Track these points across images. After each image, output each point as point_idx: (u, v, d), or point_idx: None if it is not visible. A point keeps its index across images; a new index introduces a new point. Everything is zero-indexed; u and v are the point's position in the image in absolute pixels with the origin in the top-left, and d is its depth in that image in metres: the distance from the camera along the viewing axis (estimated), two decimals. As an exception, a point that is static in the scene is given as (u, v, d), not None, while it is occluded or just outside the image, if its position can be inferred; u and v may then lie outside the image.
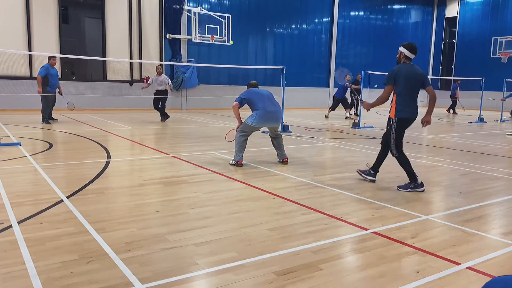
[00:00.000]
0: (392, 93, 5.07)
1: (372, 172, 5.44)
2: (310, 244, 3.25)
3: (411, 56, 5.03)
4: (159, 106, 12.92)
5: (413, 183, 5.01)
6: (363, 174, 5.51)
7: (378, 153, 5.42)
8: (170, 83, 13.10)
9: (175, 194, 4.70)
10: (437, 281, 2.70)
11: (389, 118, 5.11)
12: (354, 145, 8.71)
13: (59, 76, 12.32)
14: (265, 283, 2.62)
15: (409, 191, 4.97)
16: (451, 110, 20.09)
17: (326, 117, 16.20)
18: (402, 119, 5.02)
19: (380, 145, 5.40)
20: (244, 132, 6.38)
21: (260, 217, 3.89)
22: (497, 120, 16.14)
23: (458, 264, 2.96)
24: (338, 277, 2.74)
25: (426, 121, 5.06)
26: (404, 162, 5.09)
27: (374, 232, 3.54)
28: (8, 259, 2.85)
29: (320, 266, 2.87)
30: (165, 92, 12.96)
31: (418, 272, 2.83)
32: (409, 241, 3.36)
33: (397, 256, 3.08)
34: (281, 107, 11.06)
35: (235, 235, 3.42)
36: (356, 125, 12.24)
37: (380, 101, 5.08)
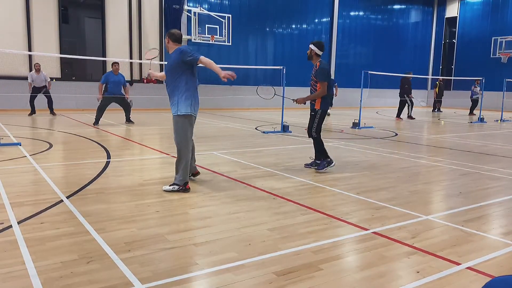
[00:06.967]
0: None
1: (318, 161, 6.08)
2: (310, 244, 3.25)
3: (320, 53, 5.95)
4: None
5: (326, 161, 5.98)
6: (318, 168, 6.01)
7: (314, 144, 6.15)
8: (49, 79, 13.57)
9: (175, 194, 4.70)
10: (437, 281, 2.70)
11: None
12: (354, 145, 8.71)
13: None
14: (265, 283, 2.62)
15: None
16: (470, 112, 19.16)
17: None
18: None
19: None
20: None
21: (260, 217, 3.89)
22: (497, 120, 16.14)
23: (458, 264, 2.96)
24: (338, 277, 2.74)
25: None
26: (320, 144, 6.08)
27: (374, 232, 3.55)
28: (8, 259, 2.85)
29: (320, 266, 2.87)
30: (43, 88, 13.32)
31: (418, 272, 2.83)
32: (409, 241, 3.36)
33: (397, 256, 3.08)
34: (282, 107, 11.15)
35: (235, 235, 3.42)
36: (356, 125, 12.25)
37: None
